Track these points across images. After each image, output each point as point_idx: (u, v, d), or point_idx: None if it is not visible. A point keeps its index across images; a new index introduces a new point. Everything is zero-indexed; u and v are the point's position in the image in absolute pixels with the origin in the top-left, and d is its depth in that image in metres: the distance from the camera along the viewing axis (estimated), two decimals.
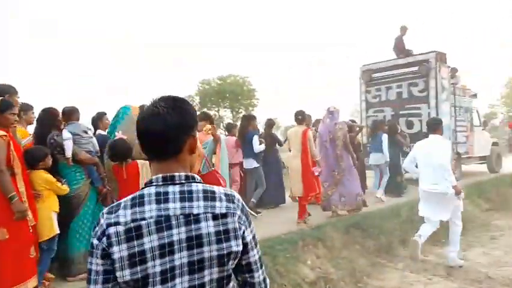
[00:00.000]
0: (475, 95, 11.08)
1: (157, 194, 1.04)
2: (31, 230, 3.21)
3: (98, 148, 4.23)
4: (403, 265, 5.00)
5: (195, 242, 1.02)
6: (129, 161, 3.86)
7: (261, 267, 1.15)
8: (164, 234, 1.00)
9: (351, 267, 4.68)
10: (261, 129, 7.59)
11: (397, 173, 7.65)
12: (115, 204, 1.07)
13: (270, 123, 7.40)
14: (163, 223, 1.01)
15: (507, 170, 10.75)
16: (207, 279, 1.03)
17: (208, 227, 1.03)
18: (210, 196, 1.07)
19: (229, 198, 1.10)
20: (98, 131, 4.83)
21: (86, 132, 4.12)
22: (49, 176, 3.57)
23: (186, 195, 1.05)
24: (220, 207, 1.06)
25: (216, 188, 1.11)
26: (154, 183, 1.06)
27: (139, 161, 3.87)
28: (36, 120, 4.01)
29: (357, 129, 7.83)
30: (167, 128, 1.05)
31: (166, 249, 1.00)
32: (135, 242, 0.99)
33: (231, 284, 1.11)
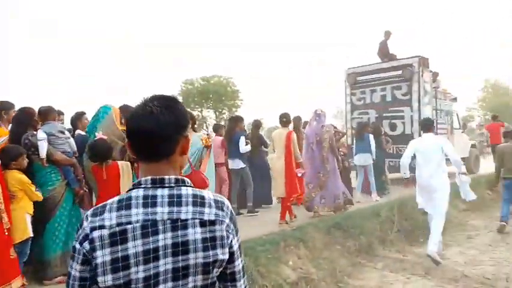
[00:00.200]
0: (455, 99, 11.46)
1: (145, 197, 1.01)
2: (7, 233, 3.14)
3: (75, 149, 4.15)
4: (383, 265, 5.08)
5: (180, 248, 0.99)
6: (109, 161, 3.80)
7: (244, 276, 1.14)
8: (149, 239, 0.98)
9: (332, 268, 4.73)
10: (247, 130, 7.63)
11: (381, 173, 7.94)
12: (100, 205, 1.03)
13: (256, 124, 7.42)
14: (149, 228, 0.98)
15: (483, 171, 11.05)
16: (190, 285, 1.01)
17: (195, 233, 1.00)
18: (199, 201, 1.04)
19: (219, 205, 1.07)
20: (78, 131, 4.75)
21: (62, 132, 4.03)
22: (23, 177, 3.48)
23: (175, 200, 1.02)
24: (209, 213, 1.04)
25: (205, 193, 1.08)
26: (143, 185, 1.03)
27: (119, 162, 3.82)
28: (13, 119, 3.91)
29: (340, 134, 8.02)
30: (160, 128, 1.02)
31: (150, 255, 0.97)
32: (119, 247, 0.96)
33: None
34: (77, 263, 0.98)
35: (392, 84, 9.54)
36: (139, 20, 75.27)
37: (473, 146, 11.51)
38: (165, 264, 0.98)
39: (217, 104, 32.91)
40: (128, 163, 3.88)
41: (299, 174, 5.82)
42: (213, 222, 1.03)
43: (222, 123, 26.55)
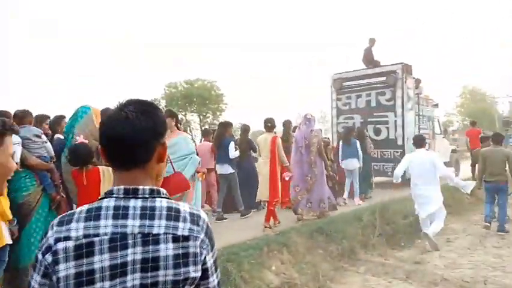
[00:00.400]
0: (436, 105, 11.81)
1: (116, 208, 0.95)
2: None
3: (53, 153, 4.04)
4: (365, 269, 5.13)
5: (150, 264, 0.94)
6: (89, 166, 3.72)
7: None
8: (117, 254, 0.92)
9: (315, 272, 4.74)
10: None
11: (368, 176, 8.25)
12: (67, 214, 0.97)
13: (245, 129, 7.34)
14: (118, 241, 0.93)
15: (463, 175, 11.32)
16: None
17: (167, 249, 0.95)
18: (173, 215, 0.98)
19: (194, 219, 1.01)
20: (57, 135, 4.63)
21: (39, 136, 3.90)
22: None
23: (148, 212, 0.96)
24: (183, 228, 0.98)
25: (181, 206, 1.02)
26: (115, 195, 0.97)
27: (100, 167, 3.73)
28: None
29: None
30: (136, 134, 0.97)
31: (118, 270, 0.92)
32: (84, 260, 0.91)
33: None
34: (37, 274, 0.93)
35: (377, 90, 9.75)
36: (139, 20, 74.73)
37: (453, 151, 11.84)
38: (133, 280, 0.93)
39: (201, 108, 32.72)
40: (110, 168, 3.79)
41: (286, 178, 5.94)
42: (186, 238, 0.98)
43: (206, 127, 26.46)
